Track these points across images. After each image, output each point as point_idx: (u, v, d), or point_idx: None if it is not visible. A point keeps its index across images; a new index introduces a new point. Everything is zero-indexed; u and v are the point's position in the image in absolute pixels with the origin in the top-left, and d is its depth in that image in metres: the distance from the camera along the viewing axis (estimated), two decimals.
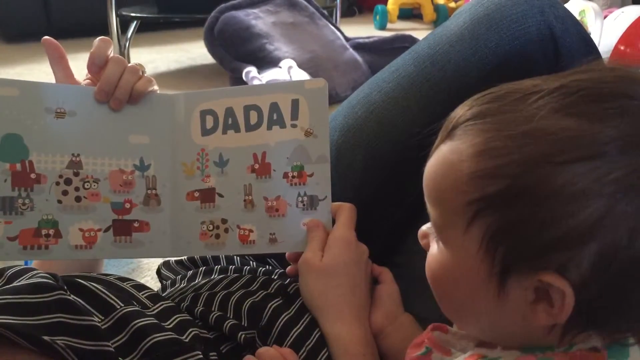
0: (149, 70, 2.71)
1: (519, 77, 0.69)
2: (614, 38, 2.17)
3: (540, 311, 0.40)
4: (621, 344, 0.42)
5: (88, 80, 0.70)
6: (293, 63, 2.16)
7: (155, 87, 0.70)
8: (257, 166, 0.69)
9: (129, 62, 0.69)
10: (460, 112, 0.44)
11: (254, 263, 0.79)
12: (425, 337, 0.52)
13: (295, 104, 0.68)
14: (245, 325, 0.62)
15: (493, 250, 0.40)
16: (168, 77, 2.67)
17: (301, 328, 0.63)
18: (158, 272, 0.85)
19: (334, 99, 2.22)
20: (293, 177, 0.69)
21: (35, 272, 0.54)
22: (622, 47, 2.14)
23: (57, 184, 0.65)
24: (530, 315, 0.41)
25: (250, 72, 2.17)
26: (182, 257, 0.82)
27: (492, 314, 0.43)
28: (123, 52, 2.61)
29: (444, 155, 0.43)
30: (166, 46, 3.27)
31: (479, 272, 0.41)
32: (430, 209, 0.45)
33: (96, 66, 0.67)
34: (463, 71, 0.72)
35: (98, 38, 0.68)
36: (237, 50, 2.30)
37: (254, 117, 0.69)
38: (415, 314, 0.67)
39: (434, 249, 0.47)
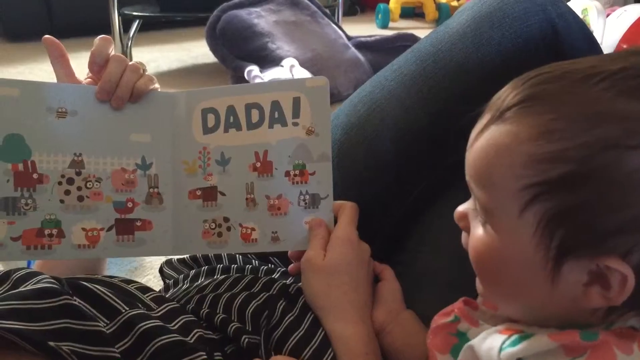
0: (151, 69, 2.72)
1: (520, 72, 0.70)
2: (617, 36, 2.16)
3: (594, 293, 0.40)
4: None
5: (89, 79, 0.70)
6: (295, 62, 2.16)
7: (157, 86, 0.70)
8: (258, 165, 0.69)
9: (131, 61, 0.69)
10: (510, 93, 0.42)
11: (256, 262, 0.79)
12: (456, 306, 0.53)
13: (296, 102, 0.68)
14: (250, 329, 0.62)
15: (550, 235, 0.39)
16: (170, 76, 2.67)
17: (304, 329, 0.63)
18: (161, 270, 0.85)
19: (336, 98, 2.22)
20: (295, 175, 0.69)
21: (41, 277, 0.53)
22: (624, 46, 2.14)
23: (60, 183, 0.65)
24: (581, 297, 0.40)
25: (252, 70, 2.17)
26: (185, 256, 0.82)
27: (540, 296, 0.42)
28: (125, 51, 2.61)
29: (497, 138, 0.42)
30: (168, 45, 3.27)
31: (532, 256, 0.41)
32: (477, 192, 0.44)
33: (97, 65, 0.67)
34: (465, 69, 0.72)
35: (99, 37, 0.68)
36: (239, 49, 2.30)
37: (255, 115, 0.69)
38: (417, 311, 0.67)
39: (479, 231, 0.45)
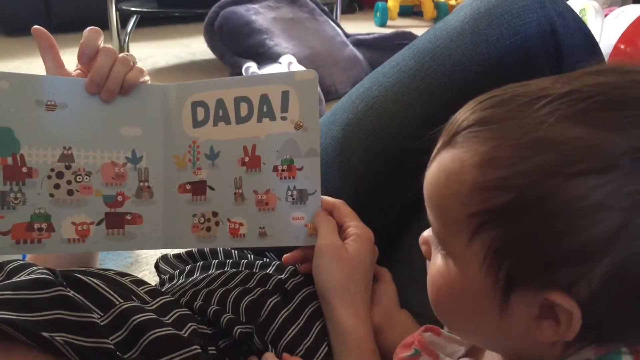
0: (149, 65, 2.71)
1: (520, 71, 0.69)
2: (615, 37, 2.16)
3: (546, 327, 0.38)
4: (615, 352, 0.40)
5: (79, 71, 0.69)
6: (293, 59, 2.15)
7: (147, 78, 0.69)
8: (247, 159, 0.69)
9: (134, 57, 0.69)
10: (463, 116, 0.41)
11: (252, 256, 0.79)
12: (416, 338, 0.52)
13: (285, 96, 0.68)
14: (244, 321, 0.62)
15: (497, 265, 0.38)
16: (167, 72, 2.66)
17: (300, 325, 0.63)
18: (156, 266, 0.84)
19: (334, 95, 2.21)
20: (283, 170, 0.68)
21: (34, 267, 0.53)
22: (622, 46, 2.13)
23: (49, 177, 0.65)
24: (534, 330, 0.39)
25: (250, 67, 2.16)
26: (181, 252, 0.81)
27: (495, 327, 0.41)
28: (123, 46, 2.60)
29: (446, 164, 0.40)
30: (166, 41, 3.26)
31: (482, 286, 0.39)
32: (431, 218, 0.43)
33: (86, 57, 0.66)
34: (463, 66, 0.71)
35: (88, 28, 0.67)
36: (237, 46, 2.30)
37: (244, 109, 0.69)
38: (413, 309, 0.67)
39: (437, 259, 0.44)
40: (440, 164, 0.41)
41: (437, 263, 0.44)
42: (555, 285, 0.36)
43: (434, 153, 0.43)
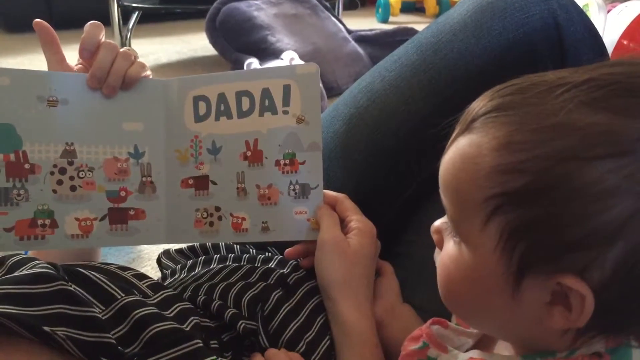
0: (150, 61, 2.71)
1: (523, 65, 0.69)
2: (618, 32, 2.15)
3: (557, 314, 0.38)
4: (625, 345, 0.40)
5: (80, 66, 0.69)
6: (295, 55, 2.15)
7: (148, 73, 0.69)
8: (249, 154, 0.69)
9: (136, 52, 0.69)
10: (480, 103, 0.41)
11: (254, 251, 0.79)
12: (424, 331, 0.51)
13: (286, 89, 0.68)
14: (246, 316, 0.62)
15: (511, 249, 0.38)
16: (169, 69, 2.66)
17: (301, 320, 0.63)
18: (158, 261, 0.84)
19: (335, 91, 2.21)
20: (285, 165, 0.68)
21: (36, 262, 0.53)
22: (625, 42, 2.13)
23: (52, 173, 0.65)
24: (546, 317, 0.39)
25: (252, 63, 2.16)
26: (183, 246, 0.81)
27: (506, 314, 0.41)
28: (124, 42, 2.60)
29: (463, 149, 0.41)
30: (168, 37, 3.25)
31: (495, 271, 0.39)
32: (446, 203, 0.43)
33: (87, 52, 0.66)
34: (466, 59, 0.71)
35: (89, 23, 0.66)
36: (238, 42, 2.29)
37: (245, 103, 0.68)
38: (415, 303, 0.67)
39: (449, 246, 0.44)
40: (457, 149, 0.42)
41: (449, 249, 0.44)
42: (569, 269, 0.37)
43: (450, 140, 0.44)
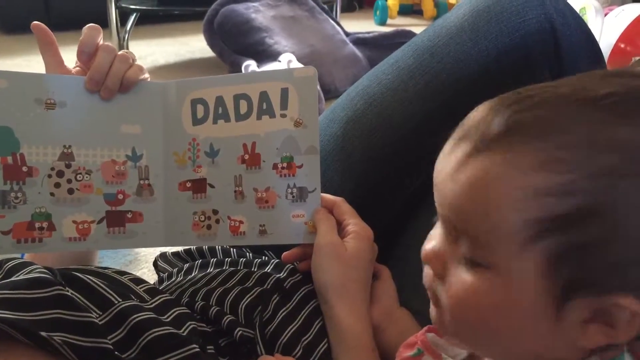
0: (148, 63, 2.71)
1: (519, 69, 0.69)
2: (615, 36, 2.15)
3: (593, 332, 0.37)
4: (620, 357, 0.40)
5: (78, 68, 0.69)
6: (292, 57, 2.15)
7: (146, 75, 0.69)
8: (247, 157, 0.69)
9: (134, 55, 0.68)
10: (493, 119, 0.38)
11: (250, 254, 0.79)
12: (419, 338, 0.51)
13: (284, 93, 0.68)
14: (243, 323, 0.61)
15: (556, 272, 0.36)
16: (167, 70, 2.66)
17: (298, 324, 0.63)
18: (155, 264, 0.84)
19: (333, 94, 2.21)
20: (282, 168, 0.68)
21: (33, 266, 0.53)
22: (622, 45, 2.13)
23: (49, 176, 0.65)
24: (580, 336, 0.37)
25: (250, 65, 2.16)
26: (179, 249, 0.81)
27: (538, 342, 0.39)
28: (122, 44, 2.60)
29: (490, 169, 0.37)
30: (165, 39, 3.25)
31: (534, 298, 0.37)
32: (465, 231, 0.39)
33: (86, 54, 0.66)
34: (462, 63, 0.71)
35: (87, 25, 0.66)
36: (236, 44, 2.30)
37: (243, 106, 0.68)
38: (412, 307, 0.67)
39: (464, 277, 0.39)
40: (480, 170, 0.37)
41: (463, 279, 0.40)
42: (623, 289, 0.35)
43: (454, 161, 0.40)
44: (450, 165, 0.40)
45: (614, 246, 0.34)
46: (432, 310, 0.44)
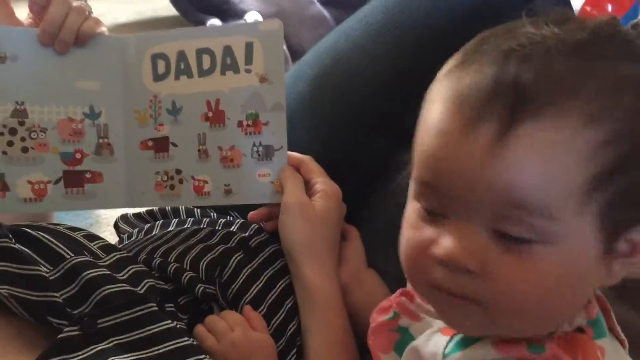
0: (108, 21, 2.62)
1: (490, 23, 0.68)
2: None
3: (617, 266, 0.38)
4: (597, 316, 0.41)
5: (30, 20, 0.65)
6: (258, 16, 2.11)
7: (104, 29, 0.66)
8: (210, 114, 0.67)
9: (90, 7, 0.66)
10: (514, 82, 0.35)
11: (214, 215, 0.78)
12: (394, 301, 0.50)
13: (249, 47, 0.66)
14: (204, 280, 0.61)
15: (608, 221, 0.36)
16: (128, 29, 2.58)
17: (262, 282, 0.63)
18: (116, 225, 0.83)
19: (300, 55, 2.16)
20: (248, 126, 0.67)
21: None
22: (588, 9, 2.14)
23: (1, 134, 0.62)
24: (612, 274, 0.38)
25: (214, 24, 2.11)
26: (141, 211, 0.80)
27: (583, 296, 0.39)
28: (80, 1, 2.51)
29: (541, 138, 0.35)
30: None
31: (592, 253, 0.37)
32: (514, 211, 0.35)
33: (38, 5, 0.63)
34: (432, 18, 0.70)
35: None
36: (200, 2, 2.25)
37: (207, 61, 0.66)
38: (379, 267, 0.67)
39: (514, 266, 0.36)
40: (530, 141, 0.35)
41: (518, 267, 0.36)
42: None
43: (486, 140, 0.35)
44: (479, 146, 0.36)
45: None
46: (470, 312, 0.39)
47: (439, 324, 0.46)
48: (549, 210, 0.35)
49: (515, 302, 0.37)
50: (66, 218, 1.18)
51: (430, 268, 0.39)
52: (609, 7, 2.13)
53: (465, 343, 0.42)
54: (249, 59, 0.66)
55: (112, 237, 1.10)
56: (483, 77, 0.36)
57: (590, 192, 0.35)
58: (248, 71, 0.66)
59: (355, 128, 0.73)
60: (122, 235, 0.79)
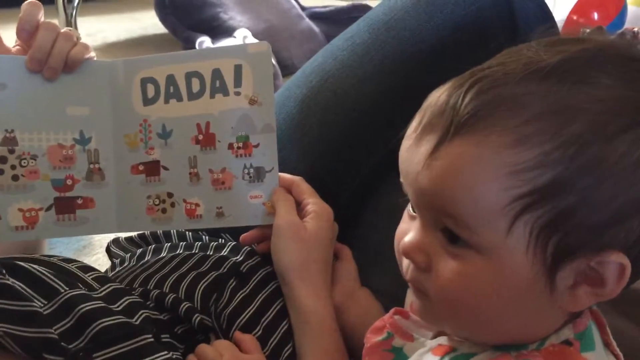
0: (98, 40, 2.62)
1: (475, 42, 0.69)
2: (567, 8, 2.18)
3: (584, 294, 0.38)
4: (588, 327, 0.41)
5: (18, 47, 0.65)
6: (248, 33, 2.11)
7: (92, 54, 0.66)
8: (201, 137, 0.67)
9: (78, 33, 0.66)
10: (460, 102, 0.37)
11: (206, 237, 0.77)
12: (387, 321, 0.50)
13: (238, 70, 0.66)
14: (199, 310, 0.60)
15: (544, 243, 0.37)
16: (118, 48, 2.58)
17: (256, 306, 0.63)
18: (108, 250, 0.82)
19: (290, 70, 2.18)
20: (238, 148, 0.67)
21: None
22: (574, 17, 2.16)
23: None
24: (570, 302, 0.38)
25: (204, 42, 2.11)
26: (132, 234, 0.79)
27: (526, 313, 0.39)
28: (70, 21, 2.50)
29: (467, 153, 0.37)
30: (116, 15, 3.15)
31: (527, 272, 0.37)
32: (447, 215, 0.38)
33: (26, 32, 0.63)
34: (418, 38, 0.71)
35: (26, 2, 0.63)
36: (189, 19, 2.25)
37: (196, 84, 0.67)
38: (373, 286, 0.67)
39: (452, 265, 0.39)
40: (458, 155, 0.37)
41: (452, 268, 0.39)
42: (611, 245, 0.37)
43: (425, 151, 0.39)
44: (421, 154, 0.39)
45: (595, 207, 0.36)
46: (417, 303, 0.44)
47: (430, 344, 0.47)
48: (471, 223, 0.38)
49: (449, 300, 0.40)
50: (59, 241, 1.17)
51: (403, 258, 0.44)
52: (595, 16, 2.15)
53: None
54: (238, 82, 0.66)
55: (104, 260, 1.10)
56: (444, 94, 0.39)
57: (517, 213, 0.36)
58: (237, 94, 0.66)
59: (345, 148, 0.74)
60: (114, 259, 0.78)
